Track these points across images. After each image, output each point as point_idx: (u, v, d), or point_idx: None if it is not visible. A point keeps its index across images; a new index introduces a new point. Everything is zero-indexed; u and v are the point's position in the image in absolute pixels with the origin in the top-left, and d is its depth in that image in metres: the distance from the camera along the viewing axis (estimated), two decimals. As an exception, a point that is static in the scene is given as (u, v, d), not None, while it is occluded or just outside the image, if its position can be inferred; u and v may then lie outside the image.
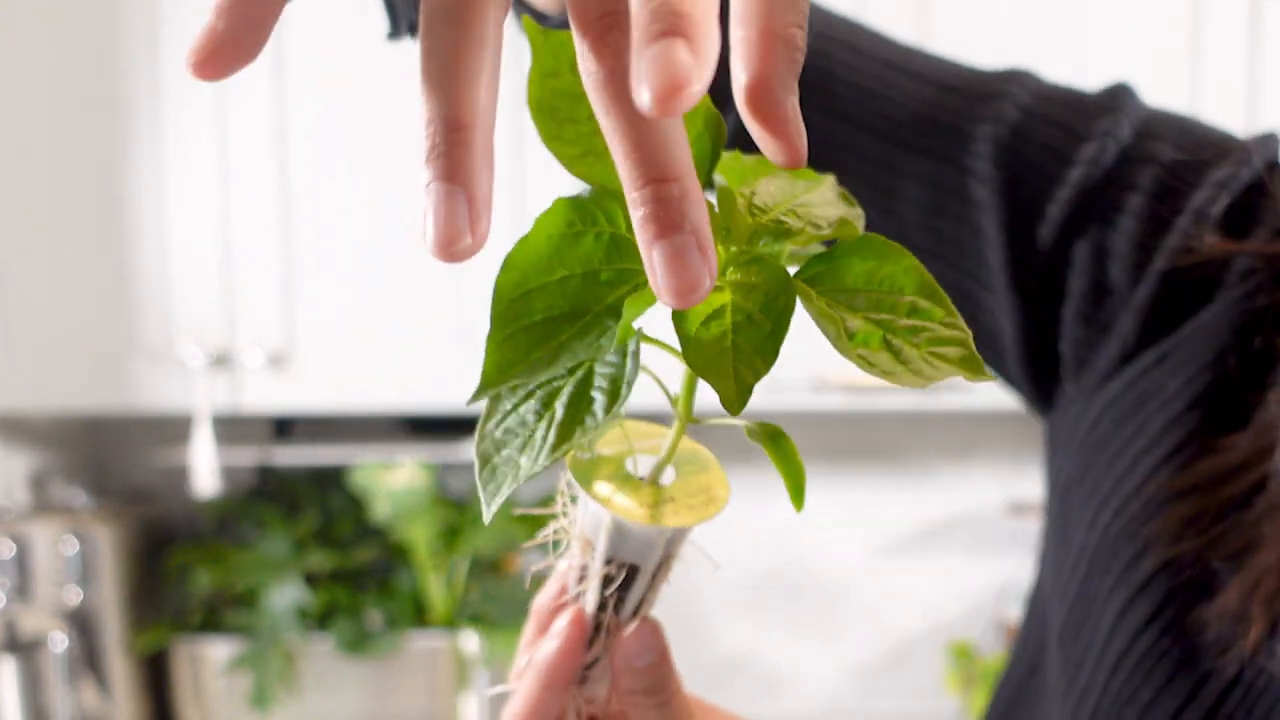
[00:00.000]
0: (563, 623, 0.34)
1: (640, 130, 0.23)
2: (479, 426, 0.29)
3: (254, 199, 1.42)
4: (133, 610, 1.54)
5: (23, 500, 1.61)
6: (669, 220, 0.23)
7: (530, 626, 0.35)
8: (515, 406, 0.29)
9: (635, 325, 0.28)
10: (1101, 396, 0.51)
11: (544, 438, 0.27)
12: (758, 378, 0.26)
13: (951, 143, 0.52)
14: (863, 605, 1.80)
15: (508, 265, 0.27)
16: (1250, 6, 1.40)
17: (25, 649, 1.46)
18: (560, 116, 0.28)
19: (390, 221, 1.42)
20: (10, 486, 1.60)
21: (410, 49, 1.27)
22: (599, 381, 0.28)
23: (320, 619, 1.52)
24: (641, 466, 0.33)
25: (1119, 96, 0.52)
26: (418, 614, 1.55)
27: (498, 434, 0.28)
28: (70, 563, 1.47)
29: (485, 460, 0.28)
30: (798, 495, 0.32)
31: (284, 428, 1.71)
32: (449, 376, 1.42)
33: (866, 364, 0.27)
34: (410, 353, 1.42)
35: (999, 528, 1.78)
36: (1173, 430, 0.47)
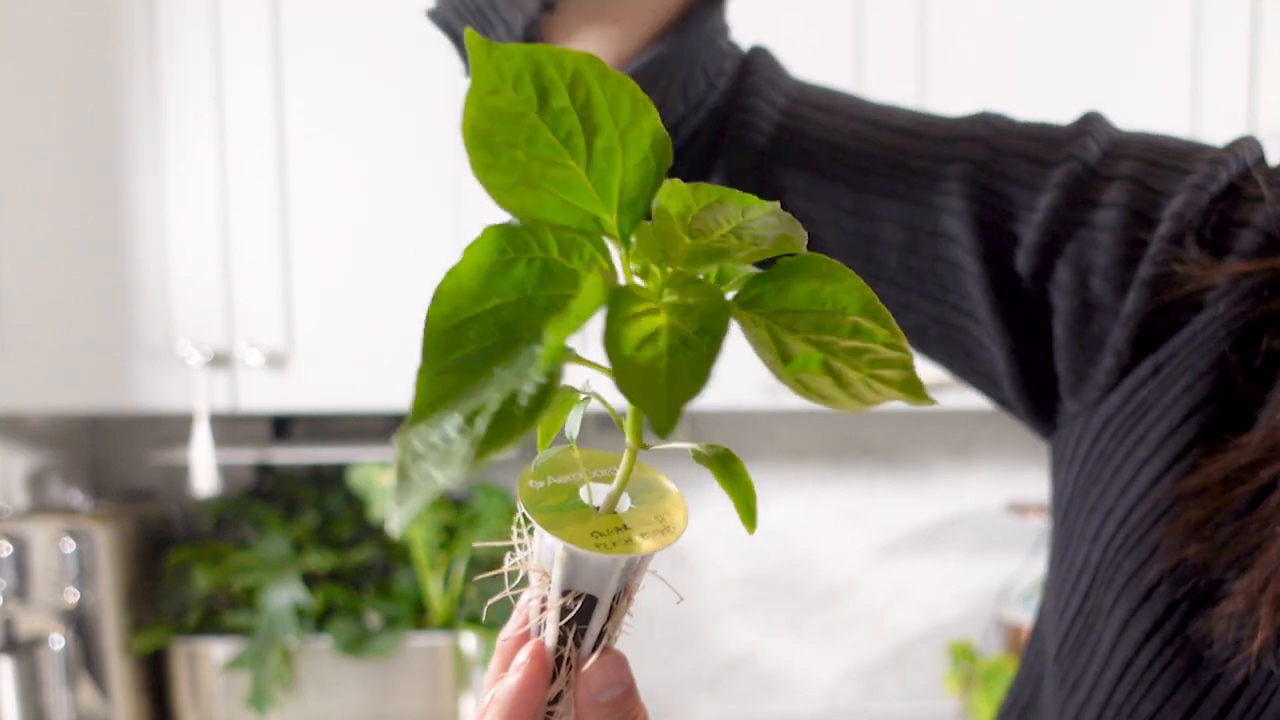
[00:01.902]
0: (523, 657, 0.33)
1: None
2: (400, 434, 0.28)
3: (253, 199, 1.42)
4: (131, 610, 1.54)
5: (21, 500, 1.61)
6: None
7: (495, 662, 0.35)
8: (439, 419, 0.28)
9: (567, 345, 0.27)
10: (1101, 411, 0.51)
11: (464, 455, 0.26)
12: (689, 400, 0.25)
13: (922, 184, 0.54)
14: (863, 605, 1.80)
15: (438, 297, 0.27)
16: (1250, 7, 1.40)
17: (23, 649, 1.46)
18: (496, 142, 0.27)
19: (388, 221, 1.42)
20: (8, 486, 1.60)
21: (411, 45, 1.26)
22: (522, 400, 0.26)
23: (319, 619, 1.52)
24: (597, 496, 0.32)
25: (1087, 122, 0.53)
26: (417, 614, 1.54)
27: (418, 446, 0.27)
28: (68, 563, 1.47)
29: (403, 473, 0.27)
30: (749, 517, 0.32)
31: (282, 427, 1.70)
32: (448, 376, 1.41)
33: (804, 389, 0.26)
34: (408, 352, 1.42)
35: (999, 528, 1.77)
36: (1172, 440, 0.47)
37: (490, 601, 0.33)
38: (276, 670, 1.48)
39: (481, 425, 0.26)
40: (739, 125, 0.56)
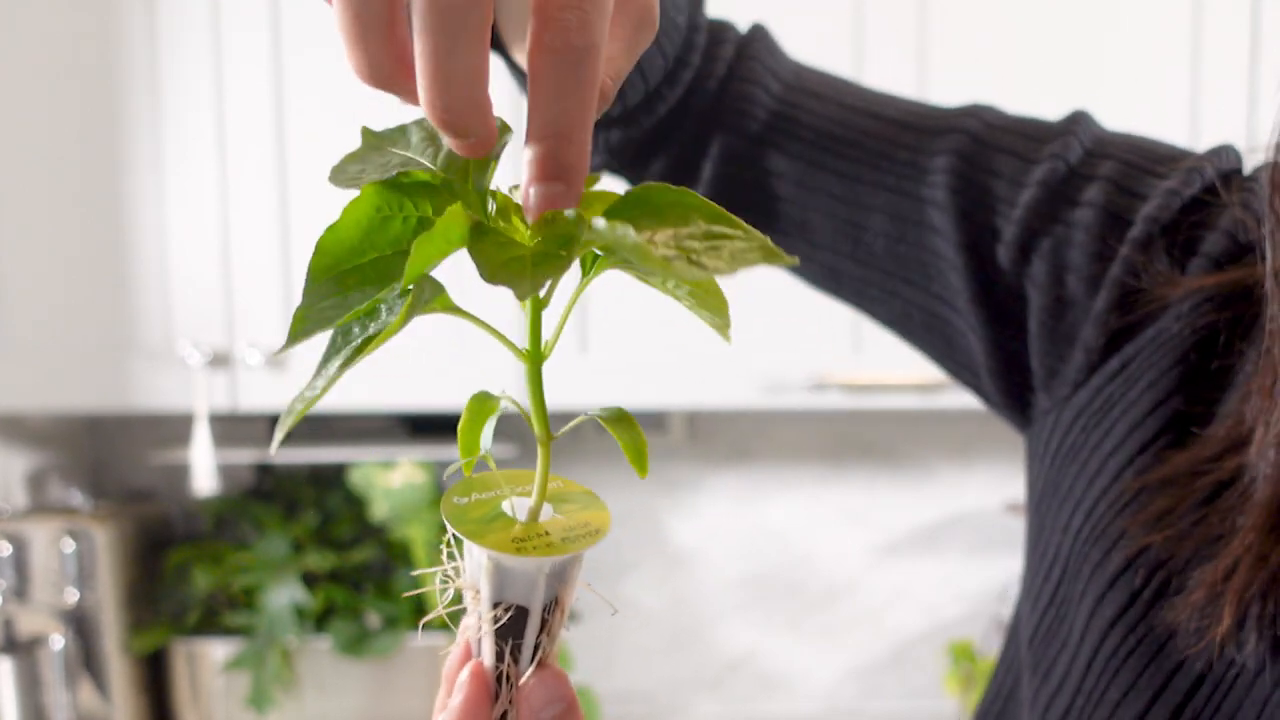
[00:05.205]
0: (463, 677, 0.32)
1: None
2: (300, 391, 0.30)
3: (253, 199, 1.42)
4: (131, 610, 1.54)
5: (21, 500, 1.61)
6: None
7: (442, 690, 0.34)
8: (325, 367, 0.30)
9: (437, 281, 0.29)
10: (1071, 405, 0.52)
11: (339, 366, 0.29)
12: (549, 278, 0.27)
13: (909, 175, 0.55)
14: (863, 605, 1.80)
15: (319, 250, 0.29)
16: (1250, 7, 1.40)
17: (23, 649, 1.46)
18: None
19: (389, 221, 1.41)
20: (8, 486, 1.60)
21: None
22: (390, 315, 0.29)
23: (319, 619, 1.52)
24: (520, 511, 0.33)
25: (1073, 121, 0.54)
26: (417, 614, 1.54)
27: (306, 391, 0.30)
28: (68, 563, 1.47)
29: (290, 410, 0.30)
30: (639, 461, 0.32)
31: (283, 427, 1.70)
32: (447, 376, 1.42)
33: (669, 268, 0.28)
34: (408, 352, 1.42)
35: (999, 527, 1.77)
36: (1137, 433, 0.49)
37: (423, 621, 0.34)
38: (276, 670, 1.48)
39: (357, 340, 0.29)
40: (735, 111, 0.57)
